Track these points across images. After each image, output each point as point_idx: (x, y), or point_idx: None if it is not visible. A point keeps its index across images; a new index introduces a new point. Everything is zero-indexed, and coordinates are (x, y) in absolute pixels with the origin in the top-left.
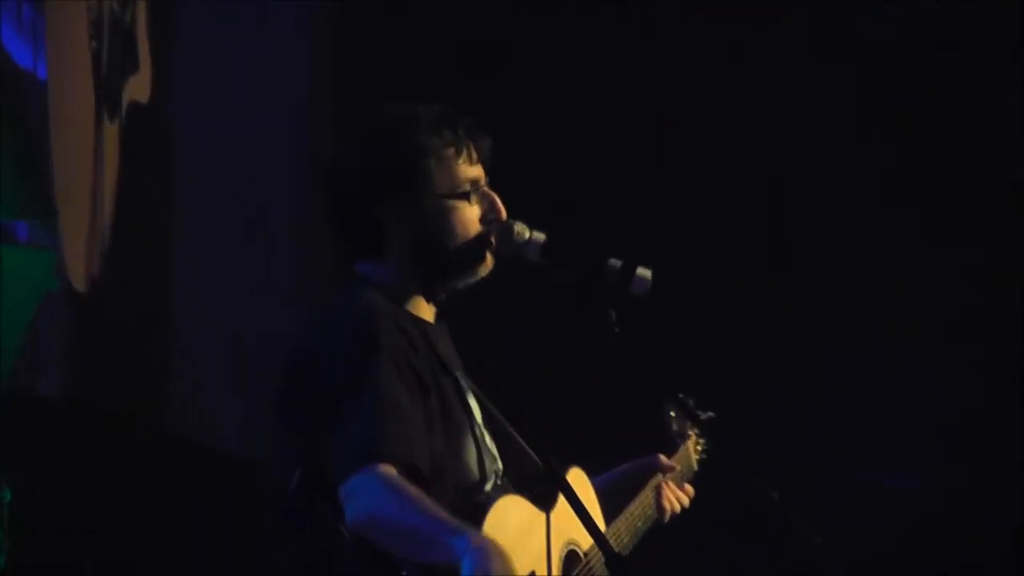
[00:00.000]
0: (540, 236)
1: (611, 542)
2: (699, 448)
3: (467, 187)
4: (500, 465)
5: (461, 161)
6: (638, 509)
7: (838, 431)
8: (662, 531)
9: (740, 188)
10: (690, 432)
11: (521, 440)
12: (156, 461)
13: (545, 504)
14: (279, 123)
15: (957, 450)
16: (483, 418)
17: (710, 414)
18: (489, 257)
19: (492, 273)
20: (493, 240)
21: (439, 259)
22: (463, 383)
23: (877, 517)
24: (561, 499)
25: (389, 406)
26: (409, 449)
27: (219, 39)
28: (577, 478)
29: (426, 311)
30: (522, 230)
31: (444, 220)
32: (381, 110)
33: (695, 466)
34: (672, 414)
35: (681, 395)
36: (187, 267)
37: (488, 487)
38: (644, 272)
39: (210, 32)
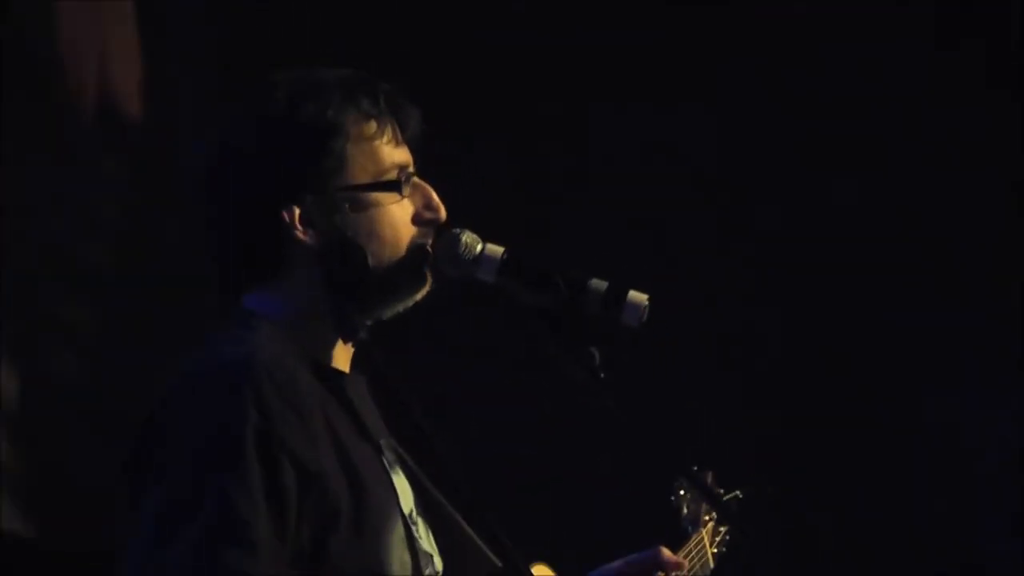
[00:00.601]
0: (496, 249)
1: None
2: (718, 539)
3: (395, 174)
4: (438, 566)
5: (384, 141)
6: None
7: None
8: None
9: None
10: (706, 518)
11: (469, 529)
12: None
13: None
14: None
15: None
16: (417, 502)
17: (736, 493)
18: (427, 276)
19: (429, 298)
20: (430, 250)
21: (359, 277)
22: (387, 456)
23: None
24: None
25: (228, 527)
26: None
27: None
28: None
29: (341, 355)
30: (472, 242)
31: (366, 220)
32: (267, 80)
33: (712, 563)
34: (682, 493)
35: (695, 468)
36: None
37: None
38: (638, 297)
39: None
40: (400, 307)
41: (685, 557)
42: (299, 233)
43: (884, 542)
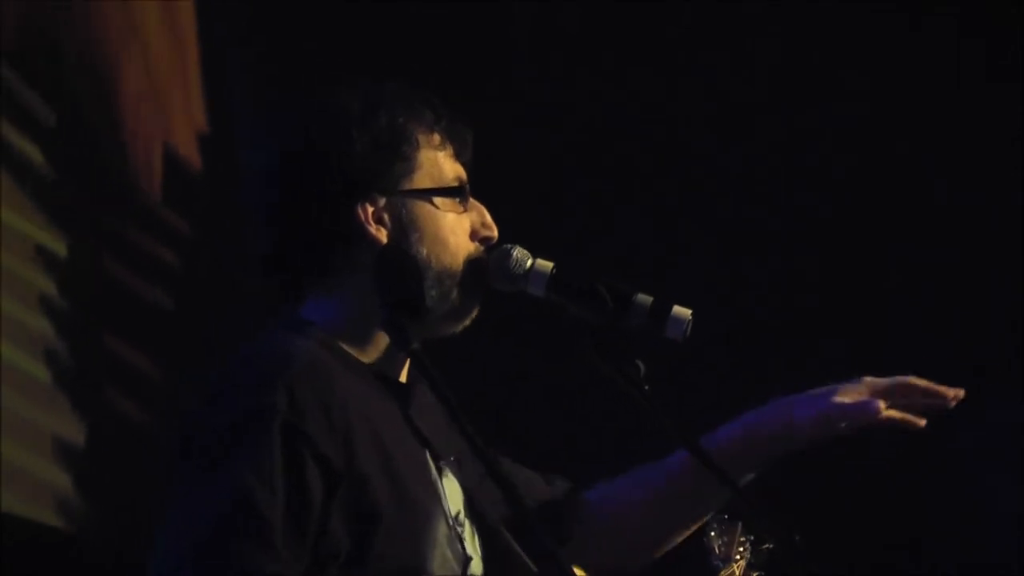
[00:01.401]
0: (546, 265)
1: None
2: None
3: (456, 184)
4: (476, 569)
5: (447, 154)
6: None
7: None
8: None
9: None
10: (737, 557)
11: (511, 540)
12: None
13: None
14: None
15: None
16: (467, 505)
17: (768, 546)
18: (481, 292)
19: (482, 311)
20: (488, 268)
21: (416, 285)
22: (439, 463)
23: None
24: None
25: (242, 518)
26: (252, 567)
27: None
28: None
29: (393, 363)
30: (523, 256)
31: (431, 223)
32: (333, 87)
33: None
34: (713, 534)
35: (726, 516)
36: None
37: None
38: (682, 312)
39: None
40: (453, 328)
41: None
42: (372, 229)
43: None
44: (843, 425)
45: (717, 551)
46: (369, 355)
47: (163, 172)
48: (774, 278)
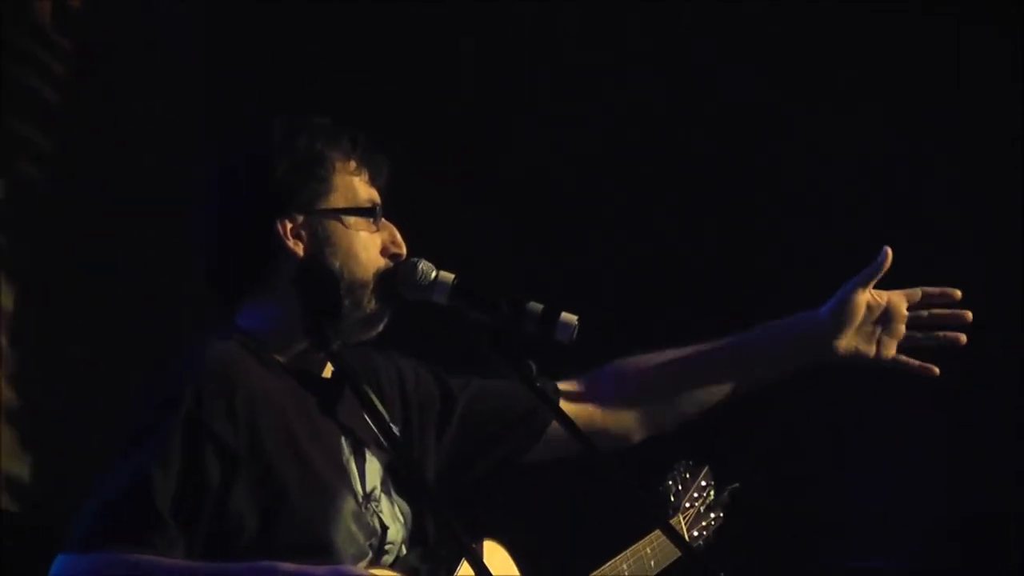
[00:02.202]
0: (449, 276)
1: None
2: (704, 525)
3: (369, 206)
4: (394, 537)
5: (361, 178)
6: None
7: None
8: None
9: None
10: (687, 504)
11: (434, 509)
12: None
13: None
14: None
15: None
16: (392, 484)
17: (735, 485)
18: (392, 301)
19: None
20: (396, 279)
21: (333, 293)
22: (353, 441)
23: None
24: None
25: (136, 492)
26: (142, 539)
27: None
28: (494, 553)
29: (317, 363)
30: (428, 269)
31: (344, 240)
32: (263, 119)
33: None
34: (670, 483)
35: (690, 461)
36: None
37: (361, 566)
38: (569, 317)
39: None
40: (366, 334)
41: (656, 537)
42: (290, 243)
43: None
44: (862, 298)
45: (672, 499)
46: (294, 354)
47: None
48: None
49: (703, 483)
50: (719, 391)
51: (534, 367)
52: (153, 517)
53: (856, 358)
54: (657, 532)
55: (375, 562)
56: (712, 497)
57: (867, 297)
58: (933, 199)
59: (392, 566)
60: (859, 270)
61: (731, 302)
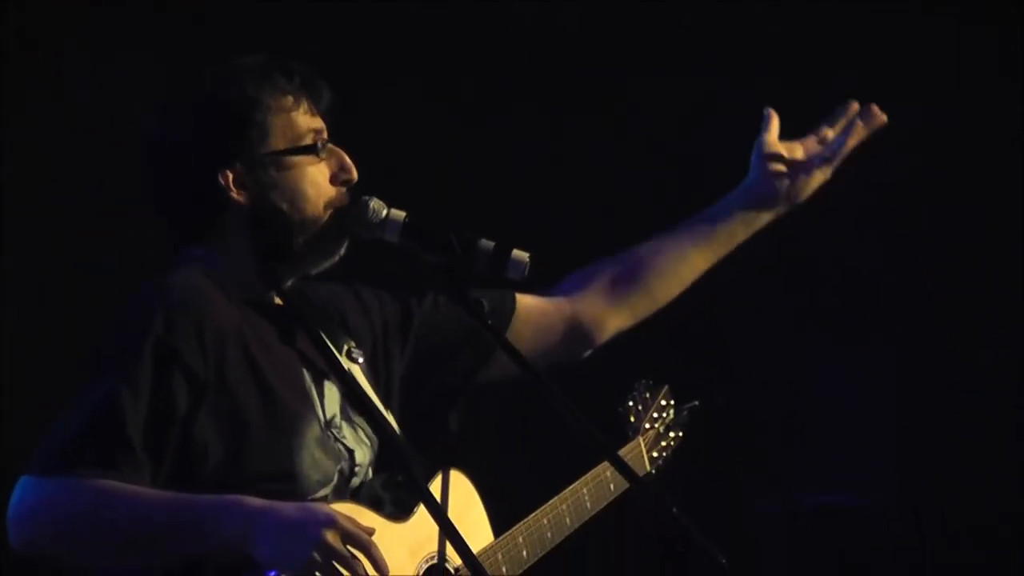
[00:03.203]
0: (400, 214)
1: (501, 554)
2: (664, 445)
3: (311, 139)
4: (361, 458)
5: (301, 111)
6: (552, 512)
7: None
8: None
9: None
10: (647, 426)
11: (390, 437)
12: None
13: (401, 514)
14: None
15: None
16: (344, 408)
17: (694, 403)
18: (345, 237)
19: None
20: (347, 213)
21: (282, 238)
22: (314, 369)
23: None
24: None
25: (101, 415)
26: (108, 464)
27: None
28: (458, 484)
29: (268, 295)
30: (379, 207)
31: (289, 179)
32: (200, 69)
33: (648, 466)
34: (630, 404)
35: (650, 381)
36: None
37: (324, 492)
38: (520, 255)
39: None
40: (319, 267)
41: (596, 475)
42: (234, 194)
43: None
44: (770, 140)
45: (632, 420)
46: (250, 289)
47: None
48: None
49: (663, 402)
50: (693, 266)
51: (485, 303)
52: (121, 442)
53: (798, 190)
54: (603, 465)
55: (344, 485)
56: (672, 416)
57: (774, 142)
58: (932, 199)
59: (357, 492)
60: (858, 270)
61: None
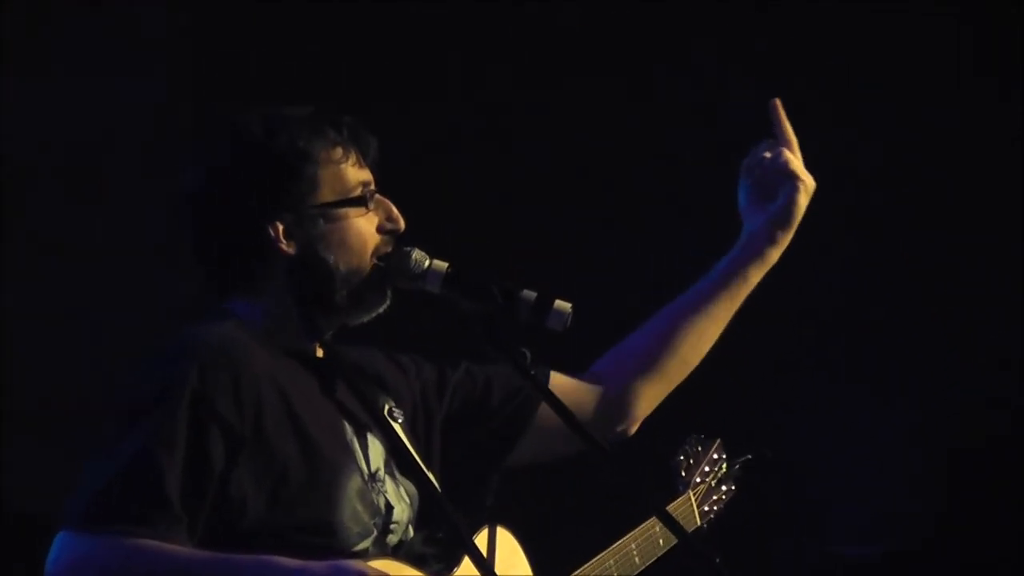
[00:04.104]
0: (441, 265)
1: None
2: (716, 499)
3: (359, 191)
4: (399, 516)
5: (350, 163)
6: (599, 568)
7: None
8: None
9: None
10: (697, 479)
11: (436, 489)
12: None
13: (443, 570)
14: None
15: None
16: (396, 466)
17: (747, 457)
18: (387, 293)
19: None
20: (387, 267)
21: (325, 288)
22: (356, 423)
23: None
24: (470, 564)
25: (138, 470)
26: (146, 521)
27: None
28: (504, 541)
29: (309, 345)
30: (420, 258)
31: (336, 232)
32: (243, 115)
33: (699, 521)
34: (681, 458)
35: (702, 435)
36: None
37: (365, 545)
38: (563, 305)
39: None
40: (362, 318)
41: (645, 530)
42: (283, 246)
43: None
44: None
45: (683, 474)
46: (288, 339)
47: None
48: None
49: (715, 456)
50: (716, 320)
51: (528, 355)
52: (158, 497)
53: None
54: (652, 520)
55: (380, 540)
56: (724, 470)
57: (753, 175)
58: (933, 197)
59: (397, 549)
60: (860, 270)
61: None
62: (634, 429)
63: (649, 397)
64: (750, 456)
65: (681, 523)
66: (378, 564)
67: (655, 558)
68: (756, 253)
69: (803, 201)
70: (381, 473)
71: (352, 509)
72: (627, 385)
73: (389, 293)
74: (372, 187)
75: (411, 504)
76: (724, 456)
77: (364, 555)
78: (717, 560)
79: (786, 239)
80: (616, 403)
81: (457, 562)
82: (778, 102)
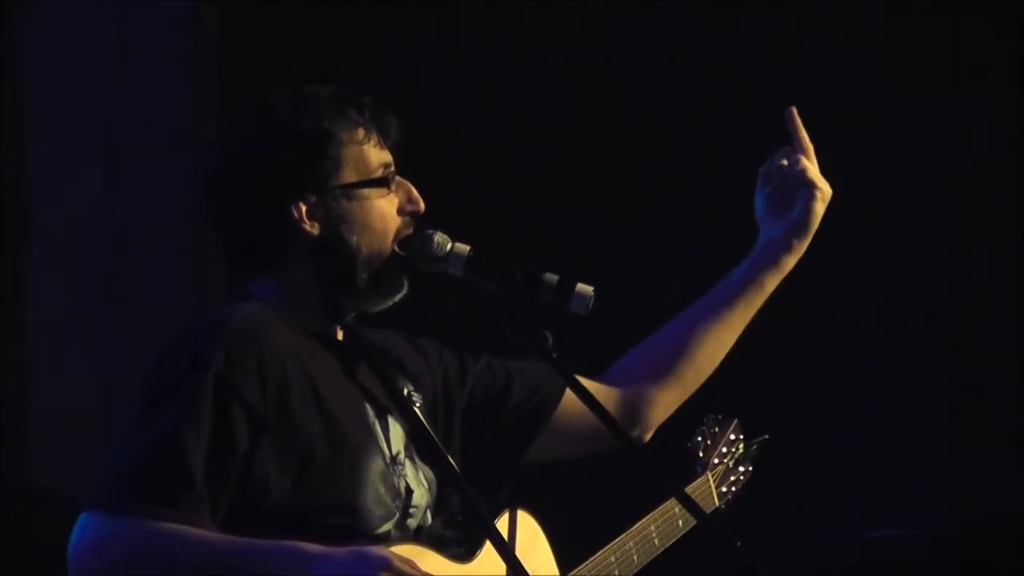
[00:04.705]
0: (464, 248)
1: None
2: (734, 480)
3: (381, 172)
4: (418, 500)
5: (372, 144)
6: (619, 549)
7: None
8: None
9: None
10: (716, 461)
11: (456, 472)
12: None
13: (464, 554)
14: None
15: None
16: (415, 450)
17: (764, 437)
18: (404, 282)
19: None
20: (406, 253)
21: (348, 269)
22: (378, 404)
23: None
24: (491, 548)
25: (162, 451)
26: (169, 501)
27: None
28: (524, 524)
29: (330, 327)
30: (443, 241)
31: (359, 212)
32: (267, 97)
33: (717, 502)
34: (699, 439)
35: (720, 416)
36: (44, 285)
37: (387, 527)
38: (585, 288)
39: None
40: (382, 304)
41: (665, 511)
42: (307, 226)
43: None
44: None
45: (701, 455)
46: (311, 321)
47: None
48: None
49: (732, 437)
50: (732, 327)
51: (550, 337)
52: (182, 478)
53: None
54: (671, 502)
55: (401, 523)
56: (741, 451)
57: (771, 184)
58: (932, 198)
59: (418, 533)
60: (859, 271)
61: None
62: (649, 435)
63: (664, 404)
64: (767, 436)
65: (700, 504)
66: (401, 549)
67: (675, 539)
68: (772, 261)
69: (820, 209)
70: (401, 457)
71: (375, 491)
72: (643, 391)
73: (406, 282)
74: (393, 168)
75: (429, 489)
76: (741, 436)
77: (387, 537)
78: (738, 544)
79: (802, 247)
80: (632, 408)
81: (479, 545)
82: (794, 110)
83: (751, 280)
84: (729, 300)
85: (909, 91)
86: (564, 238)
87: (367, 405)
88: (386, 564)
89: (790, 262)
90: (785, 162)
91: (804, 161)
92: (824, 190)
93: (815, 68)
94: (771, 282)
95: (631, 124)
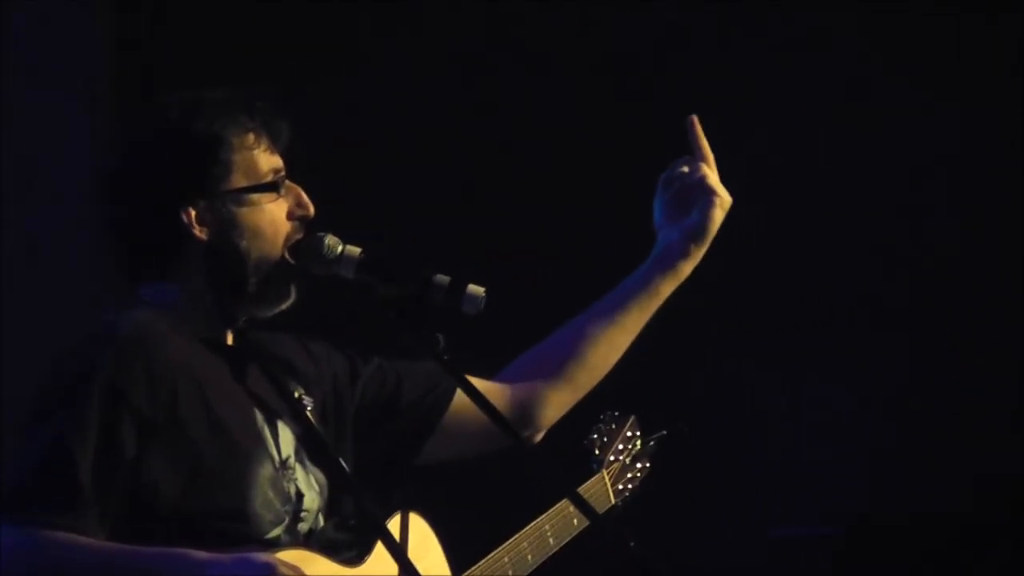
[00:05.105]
0: (355, 250)
1: None
2: (631, 477)
3: (271, 177)
4: (309, 504)
5: (261, 149)
6: (512, 549)
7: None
8: None
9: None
10: (611, 458)
11: (347, 475)
12: None
13: (355, 558)
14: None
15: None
16: (299, 450)
17: (662, 433)
18: (292, 291)
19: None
20: (296, 260)
21: (240, 272)
22: (268, 410)
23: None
24: (382, 550)
25: (51, 460)
26: (58, 510)
27: None
28: (416, 527)
29: (221, 333)
30: (333, 243)
31: (249, 217)
32: (160, 101)
33: (613, 499)
34: (595, 436)
35: (616, 413)
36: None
37: (277, 532)
38: (476, 289)
39: None
40: (272, 310)
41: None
42: (197, 231)
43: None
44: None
45: (596, 452)
46: (201, 326)
47: None
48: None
49: (628, 433)
50: (626, 330)
51: (441, 339)
52: (72, 488)
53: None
54: (565, 502)
55: (292, 528)
56: (639, 447)
57: (671, 190)
58: (932, 197)
59: (309, 537)
60: (858, 270)
61: None
62: (540, 436)
63: (556, 404)
64: (665, 432)
65: (595, 503)
66: (288, 554)
67: (571, 537)
68: (669, 267)
69: (719, 216)
70: (292, 461)
71: (264, 496)
72: (535, 391)
73: (294, 290)
74: (283, 173)
75: (320, 493)
76: (638, 433)
77: (277, 542)
78: (631, 544)
79: (699, 253)
80: (523, 408)
81: (369, 549)
82: (695, 119)
83: (646, 285)
84: (623, 304)
85: (909, 91)
86: (564, 238)
87: (256, 410)
88: (270, 569)
89: (687, 268)
90: (686, 169)
91: (704, 168)
92: (724, 198)
93: (815, 68)
94: (667, 287)
95: (631, 124)
